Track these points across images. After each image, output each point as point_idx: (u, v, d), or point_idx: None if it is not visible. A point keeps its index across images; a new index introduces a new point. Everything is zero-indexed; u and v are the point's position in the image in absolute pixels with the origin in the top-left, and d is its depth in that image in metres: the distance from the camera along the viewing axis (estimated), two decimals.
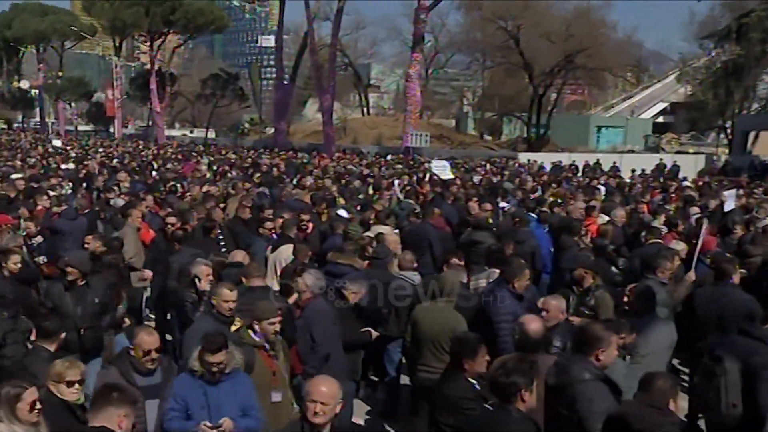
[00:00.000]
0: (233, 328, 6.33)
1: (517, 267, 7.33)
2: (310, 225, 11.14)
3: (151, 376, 5.66)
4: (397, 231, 11.78)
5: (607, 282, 8.68)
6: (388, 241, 9.83)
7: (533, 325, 5.77)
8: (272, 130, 64.15)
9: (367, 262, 8.92)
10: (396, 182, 18.48)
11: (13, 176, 17.57)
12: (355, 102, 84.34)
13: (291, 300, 7.48)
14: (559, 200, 16.45)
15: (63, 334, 6.19)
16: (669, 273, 8.02)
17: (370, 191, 17.52)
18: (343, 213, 12.64)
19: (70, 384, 5.03)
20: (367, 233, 10.46)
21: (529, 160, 36.54)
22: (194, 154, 36.34)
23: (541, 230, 11.64)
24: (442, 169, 21.58)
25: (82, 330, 7.44)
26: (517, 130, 72.59)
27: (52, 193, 14.48)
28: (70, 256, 8.04)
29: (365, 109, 79.42)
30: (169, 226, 10.77)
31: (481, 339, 5.68)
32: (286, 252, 9.48)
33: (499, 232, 11.38)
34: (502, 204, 14.66)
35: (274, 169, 23.91)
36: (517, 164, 34.91)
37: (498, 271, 7.86)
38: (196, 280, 7.46)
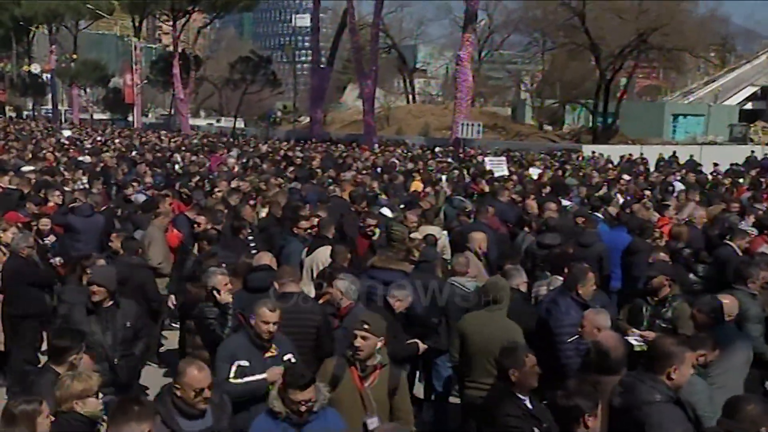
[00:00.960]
0: (268, 354, 6.09)
1: (579, 272, 7.29)
2: (377, 231, 10.97)
3: (201, 419, 5.19)
4: (445, 232, 11.78)
5: (685, 291, 8.56)
6: (475, 239, 9.76)
7: (612, 343, 5.64)
8: (307, 120, 64.56)
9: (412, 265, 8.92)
10: (443, 177, 18.47)
11: (25, 169, 17.91)
12: (400, 88, 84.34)
13: (320, 302, 7.56)
14: (628, 197, 16.35)
15: (75, 357, 5.98)
16: (762, 283, 7.86)
17: (416, 187, 17.53)
18: (386, 212, 12.67)
19: (95, 395, 5.15)
20: (415, 234, 10.46)
21: (594, 153, 36.20)
22: (221, 145, 36.72)
23: (620, 232, 11.53)
24: (498, 165, 21.63)
25: (114, 361, 7.10)
26: (581, 119, 71.89)
27: (67, 189, 14.76)
28: (94, 272, 7.64)
29: (410, 96, 79.44)
30: (198, 225, 10.86)
31: (527, 347, 5.65)
32: (323, 254, 9.52)
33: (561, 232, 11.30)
34: (564, 202, 14.57)
35: (313, 163, 24.09)
36: (580, 158, 34.60)
37: (560, 277, 7.83)
38: (215, 293, 7.31)
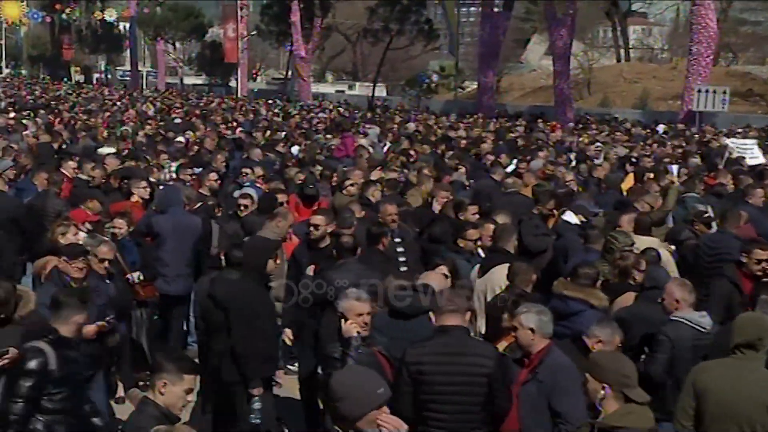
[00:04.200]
0: None
1: None
2: None
3: None
4: (673, 247, 11.63)
5: None
6: None
7: None
8: (474, 86, 64.66)
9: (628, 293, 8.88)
10: (673, 168, 18.20)
11: (103, 151, 18.71)
12: (607, 40, 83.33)
13: (501, 347, 7.61)
14: None
15: (164, 383, 6.13)
16: None
17: (629, 182, 17.34)
18: (570, 217, 12.65)
19: None
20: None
21: None
22: (355, 121, 37.31)
23: None
24: (749, 150, 21.13)
25: None
26: None
27: (153, 178, 15.28)
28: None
29: (622, 52, 78.32)
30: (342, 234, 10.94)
31: None
32: (501, 275, 9.55)
33: None
34: None
35: (482, 146, 24.14)
36: None
37: None
38: (342, 322, 7.35)
